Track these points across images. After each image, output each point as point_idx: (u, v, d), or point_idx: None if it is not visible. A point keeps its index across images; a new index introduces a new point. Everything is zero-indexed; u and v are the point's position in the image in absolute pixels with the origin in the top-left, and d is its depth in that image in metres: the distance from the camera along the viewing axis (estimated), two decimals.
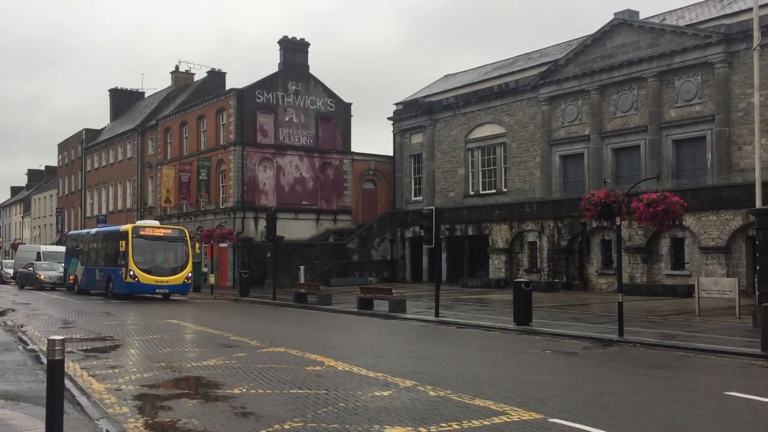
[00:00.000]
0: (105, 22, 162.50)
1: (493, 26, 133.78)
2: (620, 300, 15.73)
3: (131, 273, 29.95)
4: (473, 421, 8.06)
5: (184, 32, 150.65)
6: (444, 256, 39.27)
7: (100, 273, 33.05)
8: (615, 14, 34.81)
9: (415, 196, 45.90)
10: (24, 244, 69.95)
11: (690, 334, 16.07)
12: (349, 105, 46.82)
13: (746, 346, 14.01)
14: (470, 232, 38.37)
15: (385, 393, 9.65)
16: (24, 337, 16.50)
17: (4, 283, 49.38)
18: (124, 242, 30.65)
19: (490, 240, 37.14)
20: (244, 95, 42.70)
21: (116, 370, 11.65)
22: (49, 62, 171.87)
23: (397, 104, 48.00)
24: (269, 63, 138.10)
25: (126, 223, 36.38)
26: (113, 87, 69.08)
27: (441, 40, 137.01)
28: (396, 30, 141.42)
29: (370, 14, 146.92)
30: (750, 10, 27.44)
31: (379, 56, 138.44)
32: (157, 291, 30.95)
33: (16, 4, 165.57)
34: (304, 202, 44.24)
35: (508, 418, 8.25)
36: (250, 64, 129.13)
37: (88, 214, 64.65)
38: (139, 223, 34.88)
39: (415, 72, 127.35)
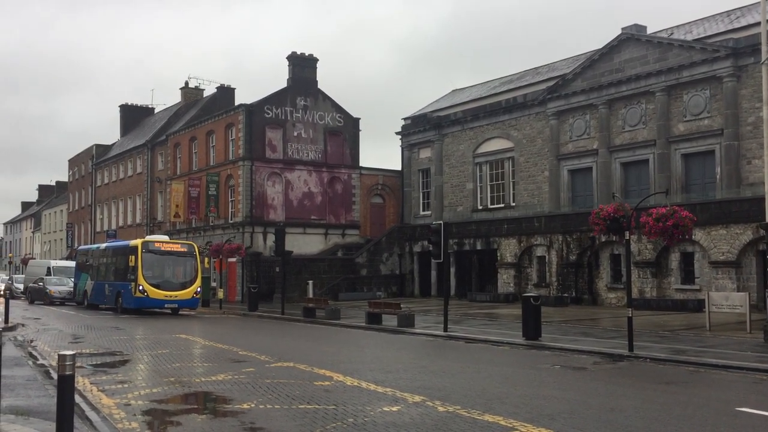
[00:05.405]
0: (119, 43, 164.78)
1: (496, 48, 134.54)
2: (630, 315, 15.66)
3: (140, 288, 30.03)
4: None
5: (194, 56, 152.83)
6: (452, 270, 39.19)
7: (109, 288, 33.15)
8: (623, 29, 34.89)
9: (424, 210, 45.91)
10: (34, 259, 70.29)
11: (700, 349, 15.96)
12: (357, 120, 46.98)
13: (758, 362, 13.91)
14: (479, 247, 38.31)
15: (394, 408, 9.63)
16: (34, 352, 16.55)
17: (14, 298, 49.53)
18: (133, 257, 30.76)
19: (498, 254, 37.06)
20: (253, 110, 42.94)
21: (125, 385, 11.67)
22: (64, 82, 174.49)
23: (405, 119, 48.13)
24: (277, 83, 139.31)
25: (136, 238, 36.53)
26: (124, 103, 69.60)
27: (444, 67, 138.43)
28: (401, 54, 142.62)
29: (377, 38, 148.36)
30: (758, 24, 27.44)
31: (386, 76, 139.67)
32: (166, 306, 31.01)
33: (39, 27, 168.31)
34: (312, 217, 44.33)
35: None
36: (258, 84, 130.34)
37: (98, 229, 64.96)
38: (148, 238, 35.02)
39: (422, 90, 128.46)
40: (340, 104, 46.27)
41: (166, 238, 35.20)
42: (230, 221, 43.56)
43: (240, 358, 15.16)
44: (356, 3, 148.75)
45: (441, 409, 9.58)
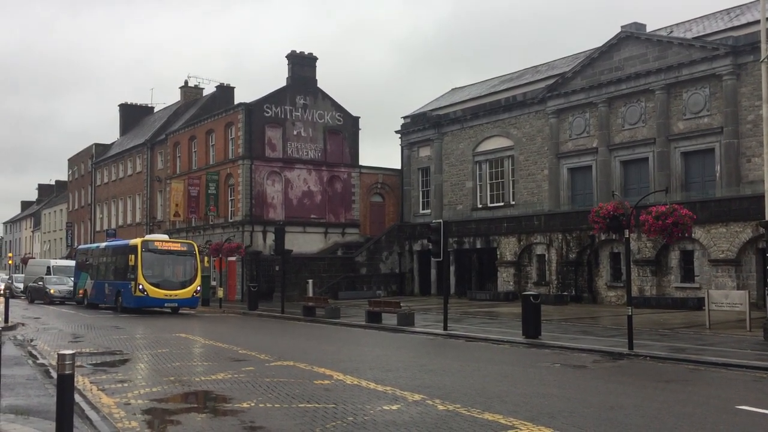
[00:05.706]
0: (119, 43, 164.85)
1: (496, 48, 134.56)
2: (630, 313, 15.66)
3: (140, 287, 30.02)
4: None
5: (194, 56, 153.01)
6: (452, 269, 39.18)
7: (109, 287, 33.15)
8: (622, 27, 34.86)
9: (423, 209, 45.89)
10: (34, 258, 70.24)
11: (700, 347, 15.97)
12: (356, 118, 46.94)
13: (757, 360, 13.91)
14: (478, 245, 38.31)
15: (394, 407, 9.63)
16: (34, 352, 16.56)
17: (14, 297, 49.54)
18: (133, 256, 30.75)
19: (498, 253, 37.06)
20: (252, 109, 42.91)
21: (125, 384, 11.67)
22: (64, 82, 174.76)
23: (404, 117, 48.09)
24: (277, 83, 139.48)
25: (135, 237, 36.51)
26: (123, 102, 69.59)
27: (443, 67, 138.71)
28: (401, 54, 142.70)
29: (377, 38, 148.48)
30: (758, 22, 27.44)
31: (386, 76, 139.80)
32: (165, 305, 31.00)
33: (39, 27, 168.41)
34: (312, 216, 44.31)
35: None
36: (258, 83, 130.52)
37: (98, 228, 64.94)
38: (148, 237, 35.02)
39: (422, 90, 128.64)
40: (339, 103, 46.24)
41: (165, 237, 35.18)
42: (230, 220, 43.55)
43: (240, 357, 15.16)
44: (356, 3, 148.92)
45: (441, 407, 9.58)
